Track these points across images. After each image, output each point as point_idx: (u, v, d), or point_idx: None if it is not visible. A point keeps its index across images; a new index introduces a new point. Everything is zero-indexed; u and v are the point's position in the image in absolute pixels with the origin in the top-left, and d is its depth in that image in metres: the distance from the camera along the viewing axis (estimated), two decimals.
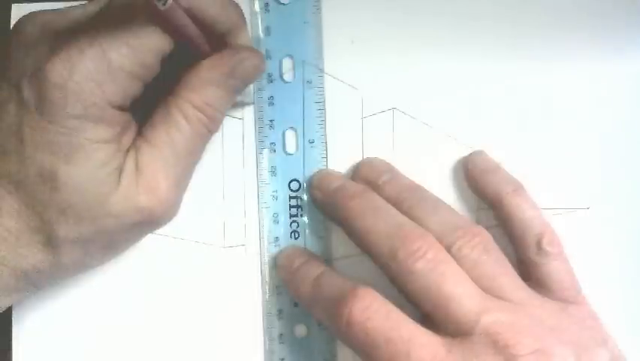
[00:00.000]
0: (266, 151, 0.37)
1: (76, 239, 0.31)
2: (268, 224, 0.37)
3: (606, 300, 0.34)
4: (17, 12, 0.36)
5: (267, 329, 0.37)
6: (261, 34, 0.37)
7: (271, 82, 0.37)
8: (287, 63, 0.37)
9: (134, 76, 0.30)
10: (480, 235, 0.33)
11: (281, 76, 0.37)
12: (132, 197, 0.31)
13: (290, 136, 0.37)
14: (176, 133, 0.32)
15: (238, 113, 0.37)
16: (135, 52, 0.30)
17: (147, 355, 0.37)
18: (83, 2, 0.33)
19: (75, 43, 0.29)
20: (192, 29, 0.31)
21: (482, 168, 0.36)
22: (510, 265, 0.33)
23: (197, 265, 0.37)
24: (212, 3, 0.32)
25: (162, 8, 0.29)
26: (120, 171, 0.31)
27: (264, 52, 0.37)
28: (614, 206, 0.37)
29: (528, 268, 0.34)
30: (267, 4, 0.37)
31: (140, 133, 0.33)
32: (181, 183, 0.34)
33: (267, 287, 0.37)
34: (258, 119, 0.37)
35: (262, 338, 0.37)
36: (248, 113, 0.37)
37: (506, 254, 0.33)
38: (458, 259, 0.32)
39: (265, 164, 0.37)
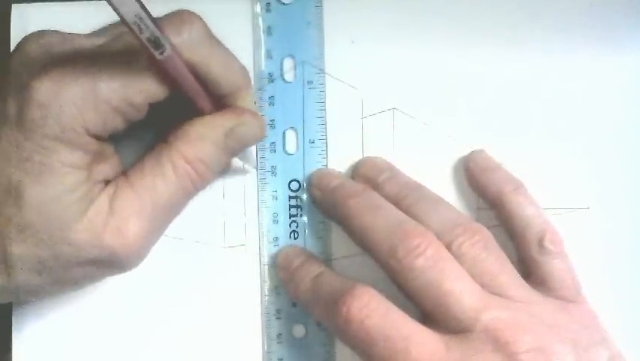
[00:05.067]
0: (266, 151, 0.37)
1: (32, 261, 0.30)
2: (268, 224, 0.37)
3: (606, 300, 0.34)
4: (17, 12, 0.37)
5: (266, 329, 0.37)
6: (263, 34, 0.37)
7: (272, 82, 0.37)
8: (288, 63, 0.37)
9: (118, 112, 0.30)
10: (480, 233, 0.33)
11: (282, 76, 0.37)
12: (96, 232, 0.30)
13: (290, 136, 0.37)
14: (161, 183, 0.32)
15: None
16: (126, 90, 0.30)
17: (147, 354, 0.37)
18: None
19: (69, 67, 0.29)
20: (192, 84, 0.31)
21: (483, 166, 0.36)
22: (510, 263, 0.33)
23: (197, 265, 0.37)
24: (217, 62, 0.32)
25: (159, 58, 0.28)
26: (89, 201, 0.31)
27: (265, 51, 0.37)
28: (613, 206, 0.37)
29: (529, 267, 0.34)
30: (268, 4, 0.37)
31: (125, 173, 0.33)
32: (152, 234, 0.33)
33: (266, 287, 0.37)
34: None
35: (261, 338, 0.37)
36: None
37: (506, 253, 0.33)
38: (458, 257, 0.32)
39: (265, 164, 0.37)
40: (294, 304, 0.37)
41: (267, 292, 0.37)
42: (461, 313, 0.30)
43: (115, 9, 0.26)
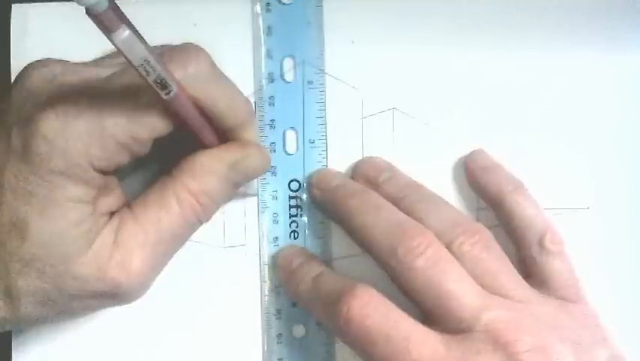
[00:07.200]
0: None
1: (36, 293, 0.30)
2: (268, 224, 0.37)
3: (606, 299, 0.34)
4: (17, 12, 0.37)
5: (266, 329, 0.37)
6: (263, 34, 0.37)
7: (272, 82, 0.37)
8: (288, 63, 0.37)
9: (123, 147, 0.30)
10: (480, 233, 0.33)
11: (282, 76, 0.37)
12: (100, 266, 0.30)
13: (290, 136, 0.37)
14: (165, 215, 0.32)
15: None
16: (131, 125, 0.30)
17: (147, 354, 0.37)
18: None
19: (75, 101, 0.29)
20: (197, 120, 0.31)
21: (482, 166, 0.36)
22: (510, 263, 0.33)
23: (197, 265, 0.37)
24: (222, 97, 0.31)
25: (165, 98, 0.28)
26: (94, 235, 0.31)
27: (265, 51, 0.37)
28: (613, 206, 0.37)
29: (529, 267, 0.34)
30: (268, 4, 0.37)
31: (129, 205, 0.33)
32: (156, 266, 0.33)
33: (266, 287, 0.37)
34: (259, 119, 0.37)
35: (261, 338, 0.37)
36: None
37: (506, 253, 0.33)
38: (459, 257, 0.32)
39: None
40: (294, 304, 0.37)
41: (267, 292, 0.37)
42: (461, 313, 0.30)
43: (122, 53, 0.26)
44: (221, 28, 0.37)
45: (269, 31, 0.37)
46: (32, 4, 0.37)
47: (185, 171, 0.32)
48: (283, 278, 0.36)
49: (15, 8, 0.37)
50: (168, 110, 0.30)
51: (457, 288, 0.31)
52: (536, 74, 0.37)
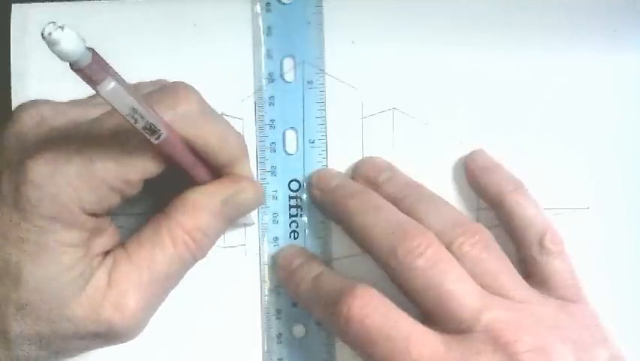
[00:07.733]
0: (266, 151, 0.37)
1: (32, 337, 0.30)
2: (268, 224, 0.37)
3: (606, 300, 0.34)
4: (17, 12, 0.37)
5: (266, 329, 0.37)
6: (263, 35, 0.37)
7: (272, 82, 0.37)
8: (288, 63, 0.37)
9: (114, 190, 0.30)
10: (480, 233, 0.33)
11: (282, 76, 0.37)
12: (95, 307, 0.30)
13: (290, 136, 0.37)
14: (159, 254, 0.31)
15: (238, 113, 0.37)
16: (121, 168, 0.29)
17: (147, 353, 0.37)
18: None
19: (64, 146, 0.29)
20: (188, 159, 0.31)
21: (482, 166, 0.36)
22: (510, 263, 0.33)
23: (197, 265, 0.37)
24: (213, 135, 0.31)
25: (155, 142, 0.28)
26: (88, 277, 0.30)
27: (265, 51, 0.37)
28: (613, 206, 0.37)
29: (529, 267, 0.34)
30: (268, 4, 0.37)
31: (123, 244, 0.32)
32: (151, 305, 0.32)
33: (266, 287, 0.37)
34: (259, 119, 0.37)
35: (261, 338, 0.37)
36: (248, 113, 0.37)
37: (506, 253, 0.33)
38: (459, 257, 0.32)
39: (265, 164, 0.37)
40: (294, 304, 0.37)
41: (267, 292, 0.37)
42: (461, 314, 0.30)
43: (109, 104, 0.25)
44: (221, 28, 0.37)
45: (269, 31, 0.37)
46: (32, 4, 0.37)
47: (178, 209, 0.32)
48: (283, 278, 0.36)
49: (15, 8, 0.37)
50: (159, 151, 0.30)
51: (457, 288, 0.31)
52: (536, 74, 0.37)
